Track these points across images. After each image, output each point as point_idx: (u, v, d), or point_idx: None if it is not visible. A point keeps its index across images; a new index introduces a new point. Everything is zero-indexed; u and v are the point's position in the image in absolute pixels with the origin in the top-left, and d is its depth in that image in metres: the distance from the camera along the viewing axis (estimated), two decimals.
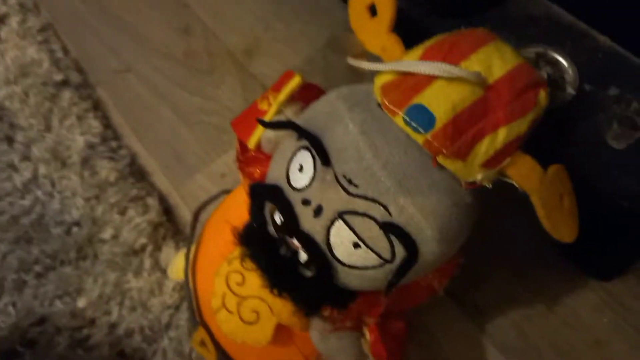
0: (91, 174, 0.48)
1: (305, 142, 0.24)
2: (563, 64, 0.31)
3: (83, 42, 0.60)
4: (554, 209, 0.24)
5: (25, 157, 0.49)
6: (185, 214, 0.49)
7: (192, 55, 0.59)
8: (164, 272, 0.44)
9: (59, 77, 0.54)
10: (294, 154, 0.25)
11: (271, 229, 0.26)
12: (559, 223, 0.25)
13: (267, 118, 0.31)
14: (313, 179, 0.24)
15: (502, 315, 0.44)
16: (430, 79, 0.24)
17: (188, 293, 0.36)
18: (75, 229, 0.45)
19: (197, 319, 0.34)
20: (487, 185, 0.25)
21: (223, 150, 0.53)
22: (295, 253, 0.25)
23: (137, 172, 0.50)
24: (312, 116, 0.26)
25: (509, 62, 0.25)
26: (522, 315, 0.44)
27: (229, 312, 0.30)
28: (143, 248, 0.44)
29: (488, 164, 0.24)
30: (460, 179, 0.24)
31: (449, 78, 0.23)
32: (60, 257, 0.44)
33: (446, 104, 0.23)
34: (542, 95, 0.25)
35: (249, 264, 0.29)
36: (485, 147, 0.23)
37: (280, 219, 0.25)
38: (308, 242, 0.24)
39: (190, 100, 0.56)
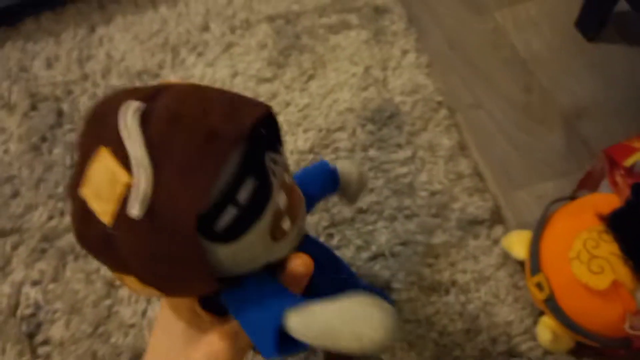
0: (453, 165, 0.70)
1: None
2: None
3: (449, 79, 0.84)
4: None
5: (409, 142, 0.74)
6: (507, 212, 0.68)
7: (530, 107, 0.79)
8: (494, 242, 0.63)
9: (438, 98, 0.78)
10: None
11: None
12: None
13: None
14: None
15: None
16: None
17: (534, 250, 0.53)
18: (437, 196, 0.67)
19: (539, 267, 0.50)
20: None
21: (543, 179, 0.70)
22: None
23: (479, 174, 0.70)
24: None
25: None
26: None
27: (581, 262, 0.46)
28: (482, 222, 0.64)
29: None
30: None
31: None
32: (422, 211, 0.67)
33: None
34: None
35: (607, 236, 0.43)
36: None
37: None
38: None
39: (523, 138, 0.75)
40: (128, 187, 0.25)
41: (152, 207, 0.25)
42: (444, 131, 0.75)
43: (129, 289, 0.31)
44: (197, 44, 0.96)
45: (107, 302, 0.69)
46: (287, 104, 0.84)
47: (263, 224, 0.30)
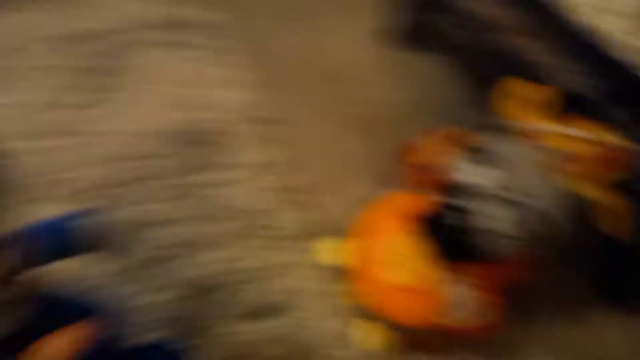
0: (267, 180, 0.67)
1: (485, 159, 0.42)
2: None
3: (266, 96, 0.80)
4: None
5: (228, 162, 0.68)
6: (321, 219, 0.65)
7: (343, 117, 0.78)
8: (307, 253, 0.60)
9: (256, 114, 0.75)
10: (473, 165, 0.43)
11: (450, 210, 0.43)
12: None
13: (433, 153, 0.47)
14: (489, 180, 0.41)
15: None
16: (570, 137, 0.41)
17: (346, 258, 0.53)
18: (253, 215, 0.64)
19: (351, 274, 0.51)
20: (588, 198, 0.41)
21: (355, 183, 0.69)
22: (464, 224, 0.41)
23: (292, 187, 0.68)
24: (489, 146, 0.44)
25: (612, 139, 0.40)
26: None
27: (385, 264, 0.47)
28: (296, 236, 0.61)
29: (595, 187, 0.40)
30: (578, 192, 0.41)
31: (585, 139, 0.41)
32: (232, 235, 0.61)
33: (577, 150, 0.41)
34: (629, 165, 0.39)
35: (407, 234, 0.46)
36: (596, 179, 0.39)
37: (460, 202, 0.42)
38: (477, 216, 0.41)
39: (336, 147, 0.75)
40: None
41: None
42: (262, 147, 0.72)
43: None
44: None
45: None
46: (95, 134, 0.74)
47: None
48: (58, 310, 0.37)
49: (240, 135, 0.73)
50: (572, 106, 0.49)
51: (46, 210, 0.59)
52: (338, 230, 0.62)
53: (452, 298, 0.45)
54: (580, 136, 0.40)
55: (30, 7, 0.90)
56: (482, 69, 0.57)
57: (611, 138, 0.41)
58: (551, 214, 0.40)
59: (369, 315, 0.52)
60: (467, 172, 0.44)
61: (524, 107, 0.44)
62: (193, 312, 0.56)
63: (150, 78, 0.82)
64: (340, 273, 0.55)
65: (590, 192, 0.41)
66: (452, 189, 0.44)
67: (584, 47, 0.51)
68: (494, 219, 0.41)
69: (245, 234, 0.62)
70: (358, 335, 0.53)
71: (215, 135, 0.74)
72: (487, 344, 0.54)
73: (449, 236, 0.44)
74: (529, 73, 0.52)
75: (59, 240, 0.40)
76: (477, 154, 0.43)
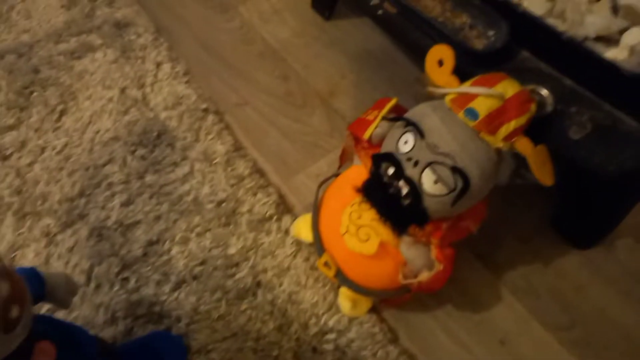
0: (232, 169, 0.70)
1: (409, 127, 0.46)
2: (545, 94, 0.52)
3: (210, 83, 0.84)
4: (541, 166, 0.44)
5: (184, 158, 0.71)
6: (291, 200, 0.71)
7: (290, 95, 0.83)
8: (285, 232, 0.65)
9: (203, 105, 0.77)
10: (401, 134, 0.47)
11: (384, 179, 0.46)
12: (544, 174, 0.44)
13: (374, 124, 0.51)
14: (413, 146, 0.46)
15: (512, 269, 0.65)
16: (475, 95, 0.45)
17: (315, 233, 0.57)
18: (223, 204, 0.66)
19: (322, 248, 0.54)
20: (504, 149, 0.46)
21: (316, 159, 0.75)
22: (399, 191, 0.45)
23: (259, 171, 0.71)
24: (412, 115, 0.48)
25: (516, 88, 0.45)
26: (527, 269, 0.64)
27: (351, 235, 0.51)
28: (270, 217, 0.66)
29: (505, 139, 0.45)
30: (491, 146, 0.44)
31: (486, 95, 0.44)
32: (213, 224, 0.66)
33: (484, 108, 0.44)
34: (533, 106, 0.46)
35: (365, 205, 0.49)
36: (504, 130, 0.44)
37: (392, 170, 0.45)
38: (409, 181, 0.45)
39: (290, 125, 0.79)
40: None
41: None
42: (216, 137, 0.75)
43: None
44: None
45: None
46: (42, 149, 0.74)
47: None
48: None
49: (193, 129, 0.75)
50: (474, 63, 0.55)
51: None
52: (309, 207, 0.65)
53: (410, 258, 0.50)
54: (489, 92, 0.44)
55: None
56: (403, 35, 0.62)
57: (513, 85, 0.46)
58: (472, 169, 0.44)
59: (346, 286, 0.57)
60: (396, 139, 0.48)
61: (447, 71, 0.50)
62: (188, 299, 0.61)
63: (82, 86, 0.82)
64: (316, 248, 0.59)
65: (509, 143, 0.45)
66: (384, 158, 0.48)
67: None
68: (422, 183, 0.45)
69: (222, 223, 0.65)
70: (345, 303, 0.58)
71: (168, 132, 0.75)
72: (454, 288, 0.61)
73: (385, 202, 0.48)
74: (437, 34, 0.56)
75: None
76: (406, 123, 0.48)
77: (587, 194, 0.58)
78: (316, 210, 0.59)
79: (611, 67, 0.49)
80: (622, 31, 0.54)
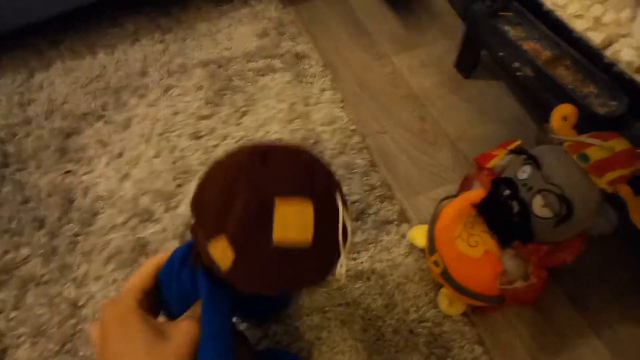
0: (366, 179, 0.86)
1: (529, 160, 0.59)
2: None
3: (359, 111, 1.02)
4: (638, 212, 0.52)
5: (330, 164, 0.88)
6: (411, 214, 0.85)
7: (424, 132, 0.97)
8: (402, 236, 0.79)
9: (352, 127, 0.94)
10: (521, 165, 0.59)
11: (500, 198, 0.58)
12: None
13: (499, 156, 0.63)
14: (530, 175, 0.57)
15: (600, 314, 0.72)
16: (590, 144, 0.56)
17: (430, 236, 0.70)
18: (356, 204, 0.82)
19: (434, 249, 0.65)
20: (607, 190, 0.55)
21: (436, 186, 0.88)
22: (511, 209, 0.58)
23: (387, 185, 0.86)
24: (532, 151, 0.60)
25: (626, 145, 0.55)
26: (615, 319, 0.71)
27: (462, 240, 0.63)
28: (392, 222, 0.80)
29: (610, 183, 0.53)
30: (596, 186, 0.56)
31: (599, 145, 0.55)
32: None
33: (596, 155, 0.55)
34: (639, 162, 0.54)
35: (479, 219, 0.61)
36: (609, 175, 0.54)
37: (508, 192, 0.58)
38: (521, 202, 0.57)
39: (419, 156, 0.93)
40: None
41: None
42: (357, 153, 0.92)
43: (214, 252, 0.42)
44: (138, 87, 1.06)
45: (72, 321, 0.75)
46: (225, 137, 0.97)
47: None
48: None
49: (341, 143, 0.92)
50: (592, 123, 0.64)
51: None
52: (424, 221, 0.81)
53: (509, 268, 0.60)
54: (602, 144, 0.54)
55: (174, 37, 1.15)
56: (535, 93, 0.74)
57: (623, 143, 0.55)
58: (577, 201, 0.54)
59: (448, 284, 0.67)
60: (516, 169, 0.59)
61: (569, 126, 0.60)
62: None
63: (262, 97, 1.04)
64: (427, 250, 0.70)
65: (613, 187, 0.54)
66: (503, 181, 0.59)
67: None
68: (532, 205, 0.55)
69: (353, 217, 0.80)
70: (444, 301, 0.69)
71: (321, 142, 0.93)
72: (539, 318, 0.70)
73: (497, 217, 0.59)
74: (565, 97, 0.67)
75: None
76: (526, 156, 0.58)
77: None
78: (434, 217, 0.72)
79: None
80: None
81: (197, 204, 0.45)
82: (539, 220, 0.57)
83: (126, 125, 1.00)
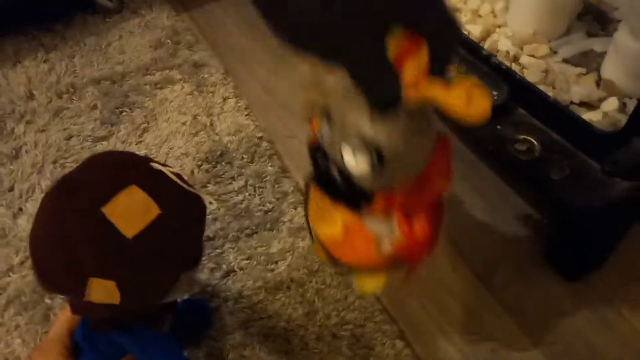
0: (278, 186, 0.85)
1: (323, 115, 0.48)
2: (535, 143, 0.64)
3: (266, 117, 1.00)
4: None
5: (240, 174, 0.87)
6: None
7: None
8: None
9: (259, 134, 0.93)
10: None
11: (321, 167, 0.49)
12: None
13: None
14: (327, 132, 0.47)
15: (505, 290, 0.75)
16: None
17: (307, 224, 0.62)
18: (269, 213, 0.81)
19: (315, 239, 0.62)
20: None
21: None
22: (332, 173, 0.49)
23: (300, 190, 0.86)
24: None
25: None
26: (519, 291, 0.75)
27: (321, 220, 0.55)
28: (306, 228, 0.78)
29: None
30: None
31: None
32: (260, 228, 0.81)
33: None
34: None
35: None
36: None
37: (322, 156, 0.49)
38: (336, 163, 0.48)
39: None
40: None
41: None
42: (267, 160, 0.91)
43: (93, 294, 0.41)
44: (24, 112, 0.98)
45: None
46: None
47: None
48: None
49: (249, 152, 0.90)
50: None
51: None
52: None
53: (376, 231, 0.52)
54: None
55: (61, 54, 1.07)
56: None
57: None
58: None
59: (344, 270, 0.65)
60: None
61: None
62: (235, 285, 0.74)
63: (162, 111, 0.99)
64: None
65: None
66: (316, 149, 0.50)
67: None
68: (345, 161, 0.46)
69: (267, 227, 0.79)
70: (358, 283, 0.64)
71: (229, 153, 0.90)
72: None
73: (328, 187, 0.50)
74: None
75: None
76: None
77: (568, 229, 0.69)
78: (306, 204, 0.61)
79: (587, 126, 0.62)
80: (601, 99, 0.68)
81: (49, 279, 0.43)
82: (359, 171, 0.46)
83: (14, 155, 0.93)
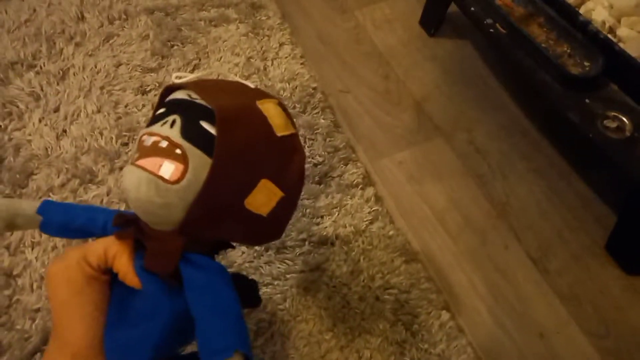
0: (329, 140, 0.81)
1: None
2: (626, 121, 0.60)
3: (321, 68, 0.97)
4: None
5: None
6: (375, 177, 0.81)
7: (388, 92, 0.93)
8: (365, 200, 0.76)
9: (313, 84, 0.89)
10: None
11: None
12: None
13: None
14: None
15: (560, 277, 0.71)
16: None
17: None
18: (319, 166, 0.77)
19: None
20: None
21: (401, 149, 0.85)
22: None
23: (351, 147, 0.82)
24: None
25: None
26: (574, 280, 0.72)
27: None
28: (356, 185, 0.77)
29: None
30: None
31: None
32: (308, 180, 0.77)
33: None
34: None
35: None
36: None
37: None
38: None
39: (383, 117, 0.89)
40: None
41: None
42: (320, 113, 0.87)
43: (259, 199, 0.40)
44: (74, 34, 0.95)
45: (7, 292, 0.68)
46: None
47: None
48: None
49: (302, 102, 0.87)
50: None
51: None
52: (389, 185, 0.78)
53: None
54: None
55: None
56: (507, 52, 0.71)
57: None
58: None
59: None
60: None
61: None
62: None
63: (215, 49, 0.95)
64: None
65: None
66: None
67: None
68: None
69: (316, 181, 0.76)
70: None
71: (282, 99, 0.87)
72: None
73: None
74: (538, 56, 0.64)
75: None
76: None
77: None
78: None
79: None
80: None
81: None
82: None
83: (62, 76, 0.90)
